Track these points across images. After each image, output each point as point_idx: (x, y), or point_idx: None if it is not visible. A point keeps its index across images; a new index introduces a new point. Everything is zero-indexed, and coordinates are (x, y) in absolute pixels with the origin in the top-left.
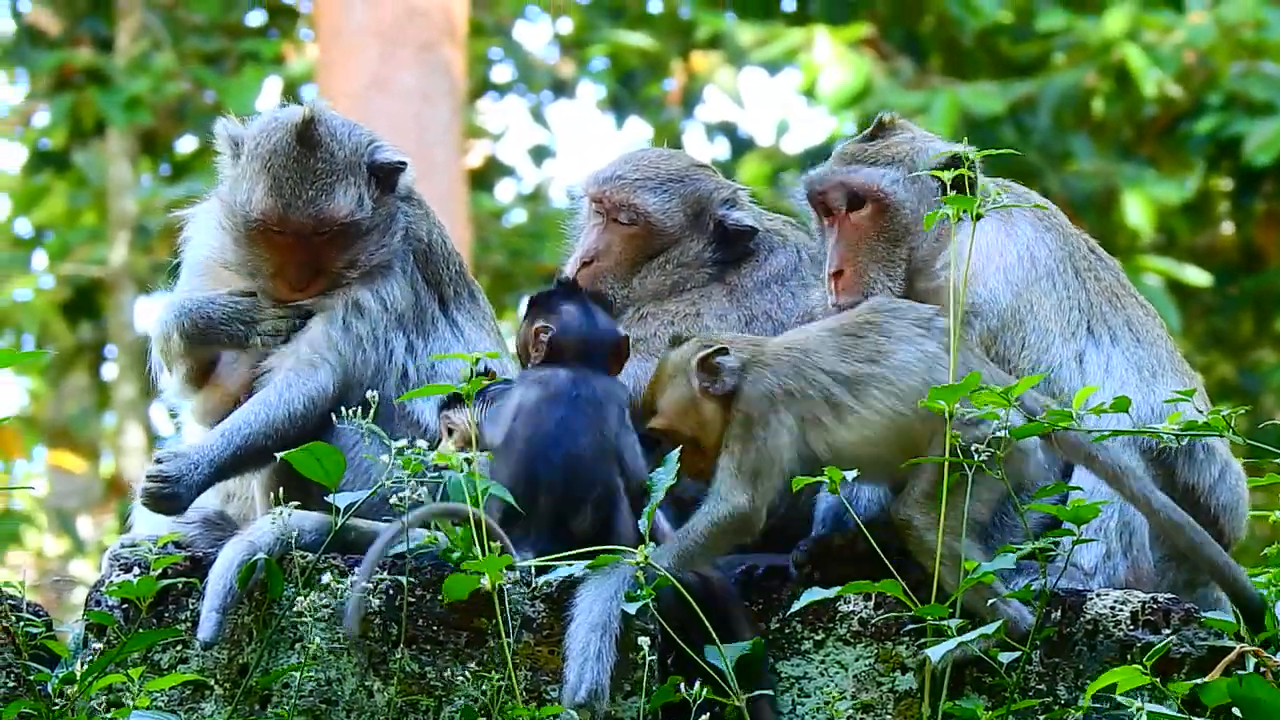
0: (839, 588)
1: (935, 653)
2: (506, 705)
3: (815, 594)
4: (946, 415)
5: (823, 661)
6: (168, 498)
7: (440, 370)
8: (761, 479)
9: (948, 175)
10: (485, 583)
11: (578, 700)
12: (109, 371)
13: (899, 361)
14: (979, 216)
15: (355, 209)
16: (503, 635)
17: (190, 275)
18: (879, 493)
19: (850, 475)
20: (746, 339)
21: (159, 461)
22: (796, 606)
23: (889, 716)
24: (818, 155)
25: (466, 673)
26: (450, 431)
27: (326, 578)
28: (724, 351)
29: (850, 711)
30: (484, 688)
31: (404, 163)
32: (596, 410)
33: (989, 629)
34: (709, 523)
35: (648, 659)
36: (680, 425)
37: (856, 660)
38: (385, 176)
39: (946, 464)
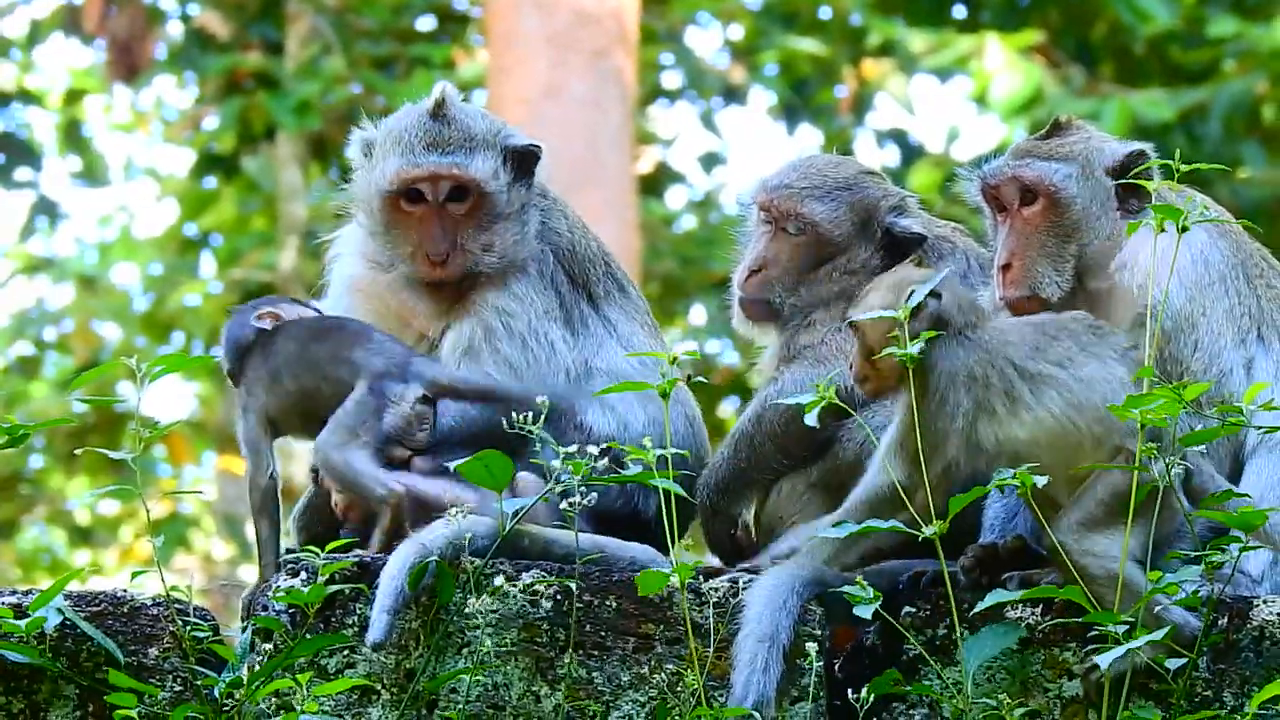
0: (1021, 591)
1: (1104, 660)
2: (675, 709)
3: (999, 595)
4: (1137, 426)
5: (989, 668)
6: None
7: (595, 367)
8: (924, 457)
9: (1153, 186)
10: (675, 581)
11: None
12: None
13: (1085, 374)
14: (1184, 229)
15: (491, 179)
16: (688, 630)
17: (337, 295)
18: None
19: (1041, 481)
20: (970, 301)
21: None
22: (981, 607)
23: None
24: (988, 162)
25: (633, 677)
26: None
27: (499, 580)
28: (937, 296)
29: (1018, 718)
30: (652, 692)
31: (539, 147)
32: None
33: (1157, 635)
34: (863, 492)
35: (814, 665)
36: (873, 342)
37: (1023, 667)
38: (521, 161)
39: (1135, 475)
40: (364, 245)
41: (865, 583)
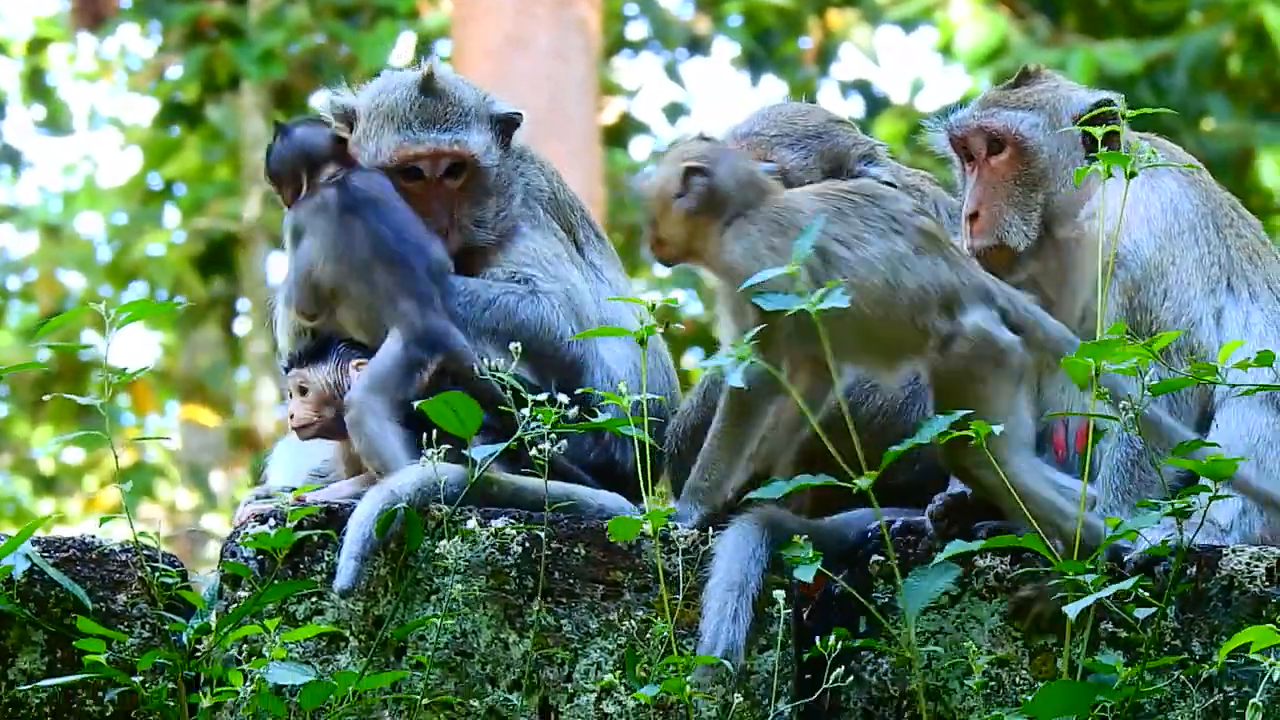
0: (981, 541)
1: (1073, 610)
2: (644, 657)
3: (958, 546)
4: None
5: (958, 617)
6: None
7: (584, 316)
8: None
9: (1099, 131)
10: (648, 528)
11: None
12: (241, 326)
13: (869, 254)
14: (1132, 174)
15: (485, 153)
16: (660, 576)
17: None
18: None
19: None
20: (752, 175)
21: None
22: (940, 558)
23: (1024, 671)
24: (953, 113)
25: (601, 624)
26: (303, 390)
27: (471, 523)
28: (700, 172)
29: (986, 666)
30: (620, 639)
31: (520, 114)
32: None
33: (1125, 585)
34: (724, 404)
35: (783, 613)
36: (666, 236)
37: (992, 615)
38: (505, 128)
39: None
40: None
41: (815, 538)
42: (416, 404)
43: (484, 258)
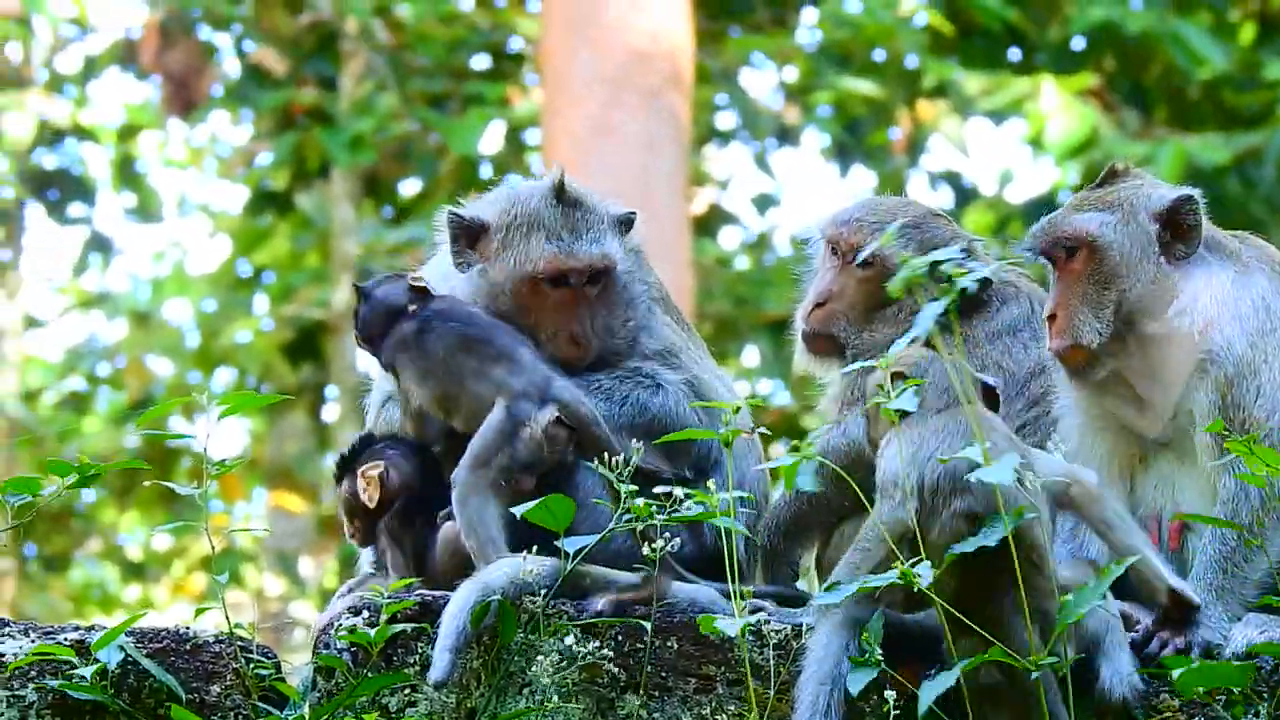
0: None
1: None
2: None
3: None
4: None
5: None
6: None
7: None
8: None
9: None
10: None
11: None
12: (329, 413)
13: None
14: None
15: (621, 261)
16: (747, 673)
17: None
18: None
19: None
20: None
21: None
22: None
23: None
24: (1041, 205)
25: (694, 718)
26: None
27: (569, 639)
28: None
29: None
30: None
31: (636, 214)
32: None
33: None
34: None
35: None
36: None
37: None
38: (624, 230)
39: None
40: None
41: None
42: (519, 513)
43: (611, 361)
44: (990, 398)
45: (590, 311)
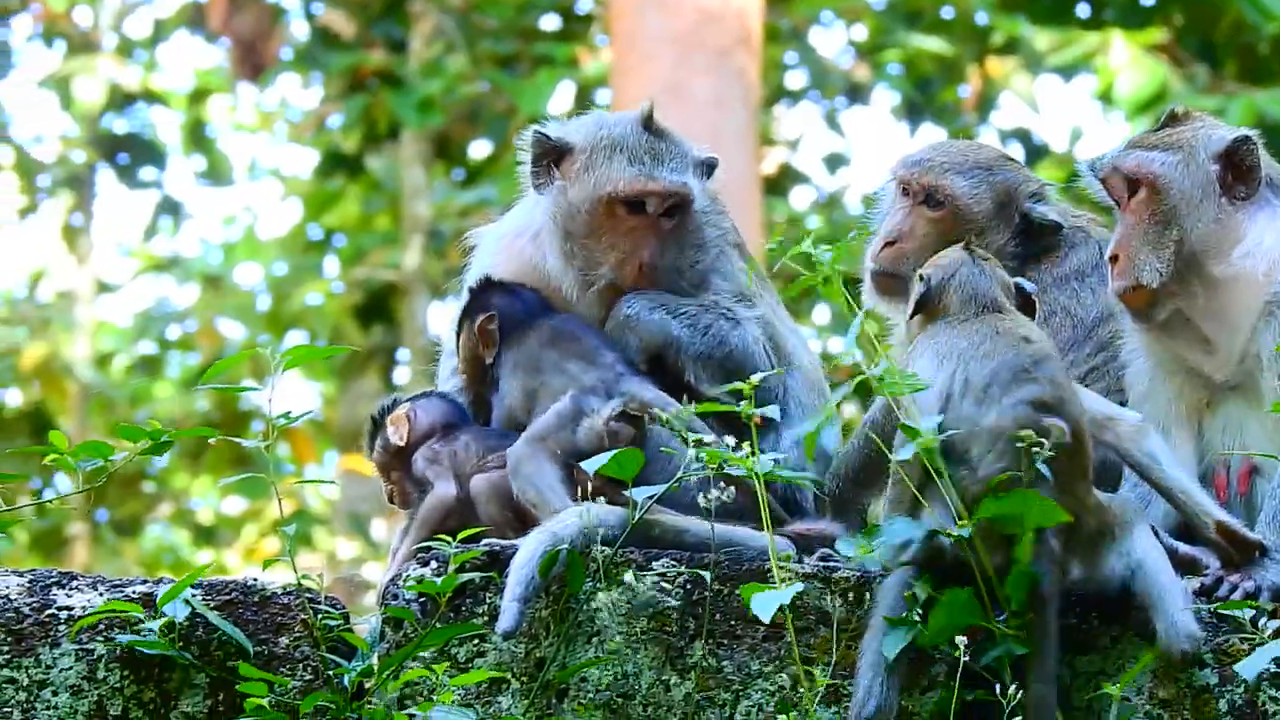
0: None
1: (1249, 670)
2: (803, 702)
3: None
4: None
5: (1119, 656)
6: None
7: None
8: None
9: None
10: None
11: (864, 716)
12: (401, 375)
13: None
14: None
15: (700, 197)
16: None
17: None
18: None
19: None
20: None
21: None
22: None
23: (1186, 713)
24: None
25: (763, 665)
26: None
27: (629, 575)
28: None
29: (1148, 707)
30: (782, 680)
31: (717, 159)
32: None
33: None
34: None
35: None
36: None
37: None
38: (706, 174)
39: None
40: (537, 243)
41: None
42: (589, 467)
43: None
44: (1026, 304)
45: (662, 245)
